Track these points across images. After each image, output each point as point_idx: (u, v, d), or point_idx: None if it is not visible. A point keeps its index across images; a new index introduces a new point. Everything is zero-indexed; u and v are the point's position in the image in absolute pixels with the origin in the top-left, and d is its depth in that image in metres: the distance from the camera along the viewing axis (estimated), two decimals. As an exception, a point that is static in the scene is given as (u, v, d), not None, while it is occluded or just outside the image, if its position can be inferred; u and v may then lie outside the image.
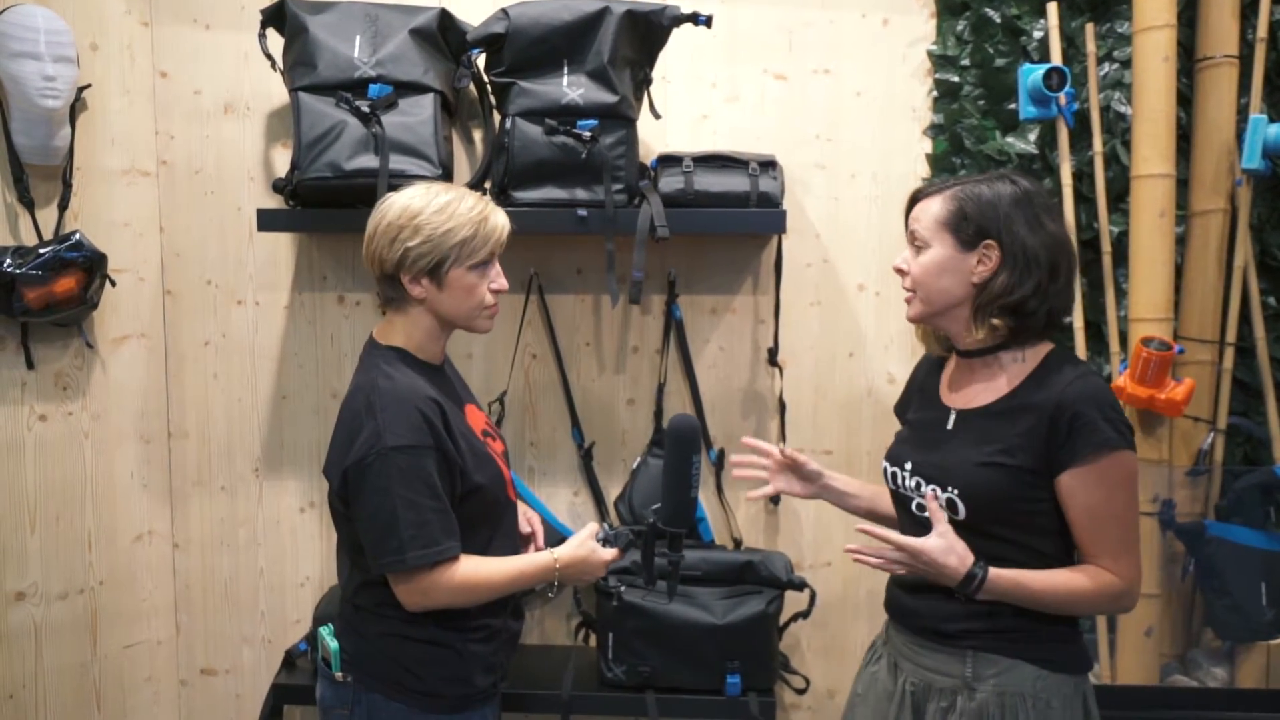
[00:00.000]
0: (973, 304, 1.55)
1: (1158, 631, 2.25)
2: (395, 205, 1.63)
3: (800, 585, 2.26)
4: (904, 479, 1.64)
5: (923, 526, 1.55)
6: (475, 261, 1.62)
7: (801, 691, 2.35)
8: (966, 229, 1.54)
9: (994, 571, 1.48)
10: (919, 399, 1.72)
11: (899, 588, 1.67)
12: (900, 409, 1.79)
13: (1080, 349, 2.29)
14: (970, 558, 1.49)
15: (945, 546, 1.49)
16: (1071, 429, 1.46)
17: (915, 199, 1.62)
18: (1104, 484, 1.47)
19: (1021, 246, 1.51)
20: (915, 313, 1.62)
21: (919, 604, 1.61)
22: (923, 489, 1.58)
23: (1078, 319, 2.29)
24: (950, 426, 1.60)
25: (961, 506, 1.53)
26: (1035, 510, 1.51)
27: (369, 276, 2.44)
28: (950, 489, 1.54)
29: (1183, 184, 2.28)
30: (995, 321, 1.53)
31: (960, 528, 1.52)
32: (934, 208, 1.57)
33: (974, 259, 1.54)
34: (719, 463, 2.47)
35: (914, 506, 1.62)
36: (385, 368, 1.62)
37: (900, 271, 1.62)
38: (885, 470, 1.69)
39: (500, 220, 1.66)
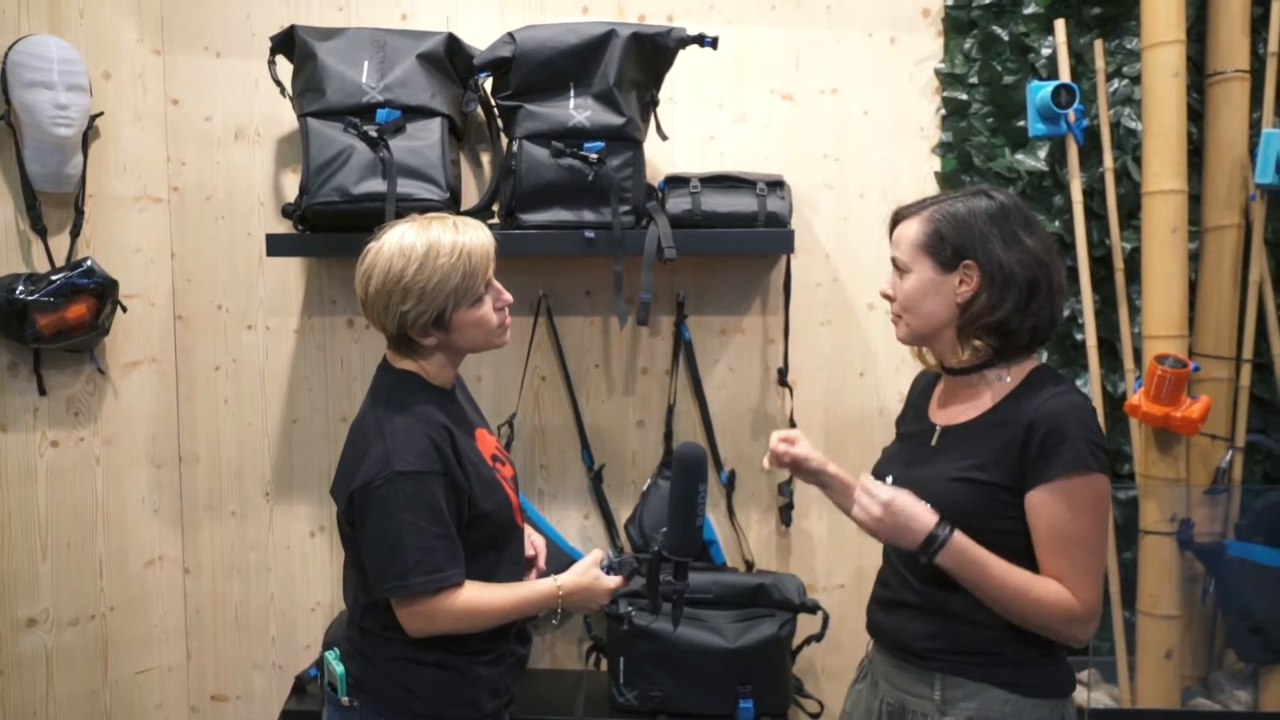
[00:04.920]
0: (956, 325, 1.54)
1: (1178, 654, 2.21)
2: (376, 270, 1.59)
3: (813, 608, 2.24)
4: None
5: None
6: (474, 298, 1.60)
7: (816, 716, 2.32)
8: (944, 251, 1.52)
9: (960, 538, 1.44)
10: (912, 414, 1.72)
11: (875, 605, 1.67)
12: (899, 422, 1.78)
13: (1094, 367, 2.27)
14: (937, 517, 1.44)
15: (914, 498, 1.46)
16: (1044, 446, 1.43)
17: (895, 221, 1.61)
18: (1072, 504, 1.43)
19: (998, 265, 1.49)
20: (904, 334, 1.61)
21: (891, 621, 1.60)
22: None
23: (1090, 336, 2.27)
24: (934, 443, 1.59)
25: None
26: (1005, 529, 1.48)
27: (378, 300, 2.48)
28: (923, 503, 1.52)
29: (1195, 199, 2.26)
30: (977, 343, 1.52)
31: None
32: (911, 231, 1.56)
33: (955, 280, 1.52)
34: (730, 484, 2.45)
35: None
36: (397, 392, 1.62)
37: (887, 296, 1.62)
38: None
39: (481, 239, 1.61)
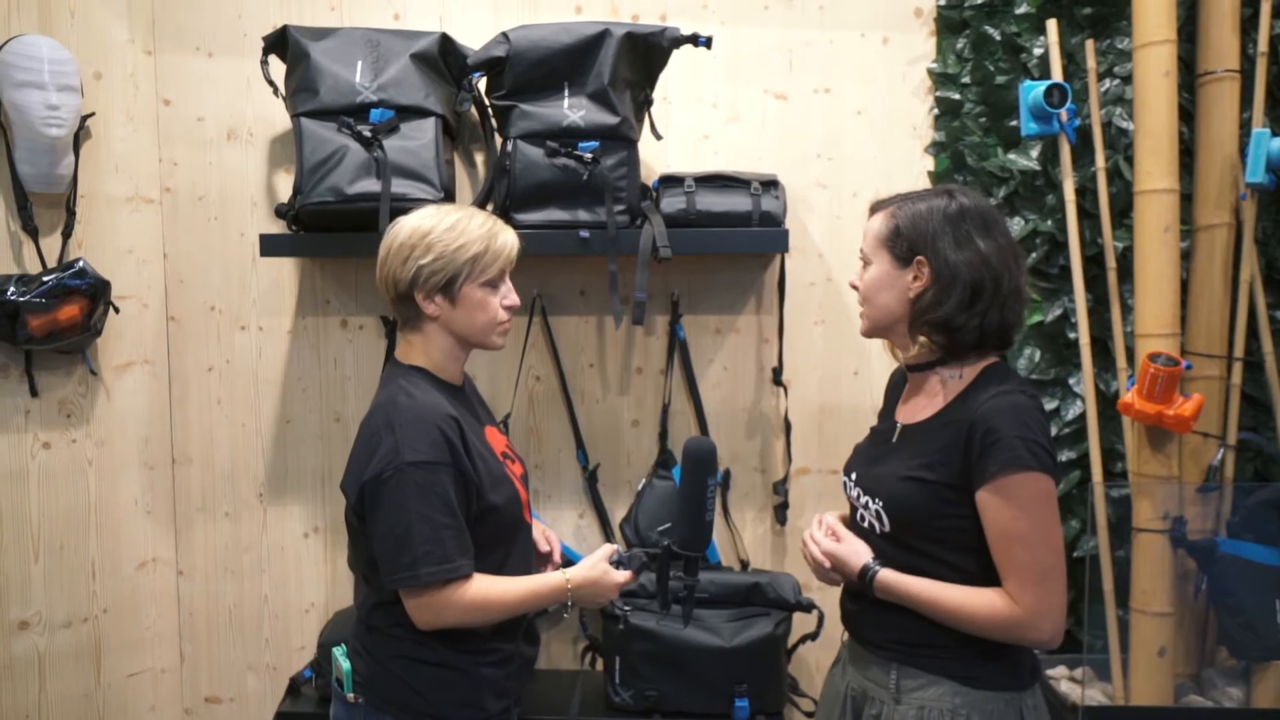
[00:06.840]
0: (908, 319, 1.57)
1: (1171, 651, 2.22)
2: (406, 227, 1.65)
3: (809, 607, 2.25)
4: (850, 488, 1.67)
5: (866, 537, 1.61)
6: (487, 278, 1.64)
7: (811, 714, 2.33)
8: (900, 245, 1.56)
9: (886, 573, 1.53)
10: (885, 411, 1.75)
11: (845, 594, 1.69)
12: (878, 418, 1.81)
13: (1087, 365, 2.28)
14: (867, 557, 1.56)
15: (849, 550, 1.58)
16: (984, 445, 1.45)
17: (871, 214, 1.65)
18: (1011, 504, 1.44)
19: (945, 263, 1.51)
20: (864, 328, 1.66)
21: (855, 611, 1.65)
22: (861, 499, 1.62)
23: (1083, 335, 2.28)
24: (894, 440, 1.62)
25: (886, 518, 1.55)
26: (954, 526, 1.50)
27: (372, 300, 2.48)
28: (878, 500, 1.57)
29: (1186, 199, 2.28)
30: (923, 339, 1.56)
31: (885, 540, 1.56)
32: (876, 224, 1.60)
33: (909, 275, 1.55)
34: (725, 483, 2.45)
35: (857, 516, 1.64)
36: (405, 385, 1.63)
37: (854, 287, 1.66)
38: (842, 480, 1.72)
39: (510, 238, 1.68)
